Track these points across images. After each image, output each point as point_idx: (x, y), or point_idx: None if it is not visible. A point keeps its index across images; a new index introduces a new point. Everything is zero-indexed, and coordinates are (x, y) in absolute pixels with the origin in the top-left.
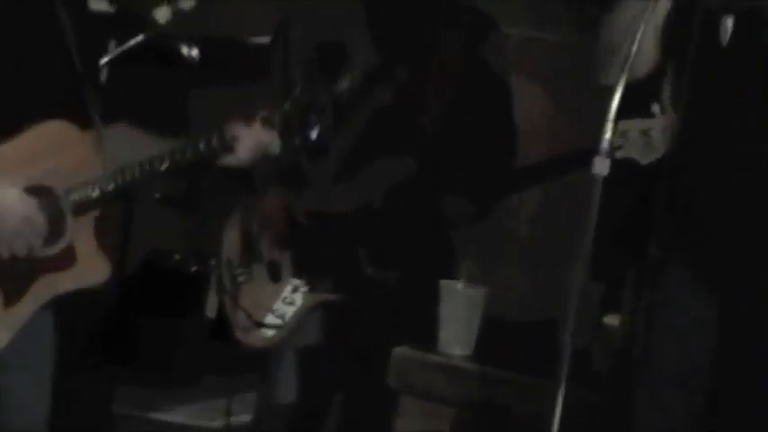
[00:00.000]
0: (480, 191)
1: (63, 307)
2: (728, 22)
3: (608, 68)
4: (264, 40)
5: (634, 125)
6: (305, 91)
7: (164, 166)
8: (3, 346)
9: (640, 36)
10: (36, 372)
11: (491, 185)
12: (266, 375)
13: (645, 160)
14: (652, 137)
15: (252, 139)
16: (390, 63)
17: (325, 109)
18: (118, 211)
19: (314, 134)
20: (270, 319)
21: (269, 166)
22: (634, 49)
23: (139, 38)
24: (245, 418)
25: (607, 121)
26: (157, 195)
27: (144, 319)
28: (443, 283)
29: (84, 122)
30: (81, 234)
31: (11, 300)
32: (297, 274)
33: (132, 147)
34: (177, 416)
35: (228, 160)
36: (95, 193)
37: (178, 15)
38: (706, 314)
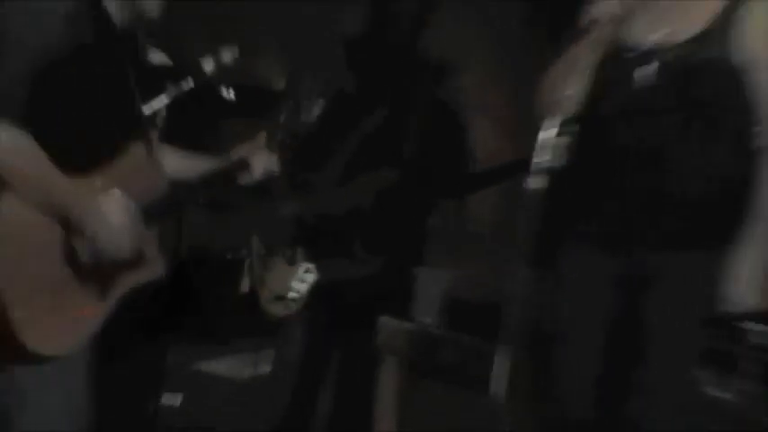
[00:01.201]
0: (448, 198)
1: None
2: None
3: (551, 107)
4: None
5: None
6: (286, 121)
7: (204, 180)
8: (80, 347)
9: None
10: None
11: (456, 195)
12: (283, 337)
13: None
14: None
15: (260, 159)
16: (374, 102)
17: (296, 134)
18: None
19: (289, 153)
20: (288, 293)
21: (278, 179)
22: (575, 87)
23: (190, 83)
24: (266, 369)
25: (537, 144)
26: (201, 202)
27: (193, 296)
28: (417, 268)
29: (147, 150)
30: (148, 238)
31: (97, 301)
32: (308, 260)
33: (182, 167)
34: (217, 367)
35: (246, 174)
36: (159, 203)
37: (220, 66)
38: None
